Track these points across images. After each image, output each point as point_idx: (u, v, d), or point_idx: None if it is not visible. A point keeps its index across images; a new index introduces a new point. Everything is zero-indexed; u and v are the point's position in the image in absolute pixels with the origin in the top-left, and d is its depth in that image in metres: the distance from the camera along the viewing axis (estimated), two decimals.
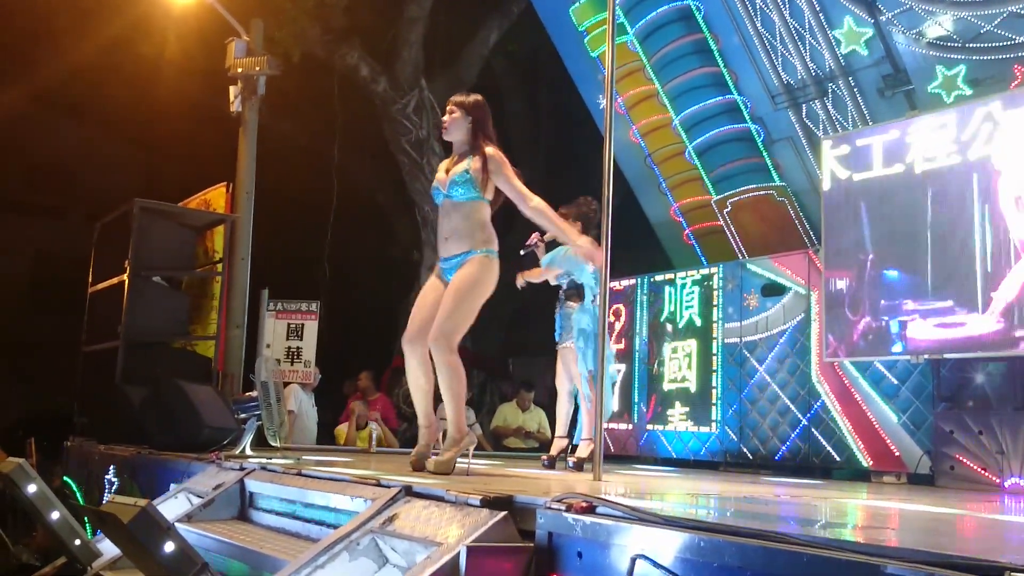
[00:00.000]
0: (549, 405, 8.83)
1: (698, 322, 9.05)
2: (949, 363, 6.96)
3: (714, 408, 8.79)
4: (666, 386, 9.31)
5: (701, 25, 10.59)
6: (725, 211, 10.80)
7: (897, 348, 7.14)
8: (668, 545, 2.43)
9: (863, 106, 9.42)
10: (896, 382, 7.43)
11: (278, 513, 4.45)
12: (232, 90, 10.00)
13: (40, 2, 13.61)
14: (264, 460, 5.32)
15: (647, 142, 11.53)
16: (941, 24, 8.62)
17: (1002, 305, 6.45)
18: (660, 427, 9.30)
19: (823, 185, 7.88)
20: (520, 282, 6.52)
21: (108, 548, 4.82)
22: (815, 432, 7.92)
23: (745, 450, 8.48)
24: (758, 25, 10.07)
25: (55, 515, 5.20)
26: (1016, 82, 8.00)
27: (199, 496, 4.88)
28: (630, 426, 9.56)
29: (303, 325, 9.12)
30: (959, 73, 8.56)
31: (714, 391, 8.80)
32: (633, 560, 2.51)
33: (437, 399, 4.93)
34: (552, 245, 6.60)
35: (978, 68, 8.46)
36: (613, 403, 6.45)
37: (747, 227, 10.71)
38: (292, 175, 13.96)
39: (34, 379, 15.49)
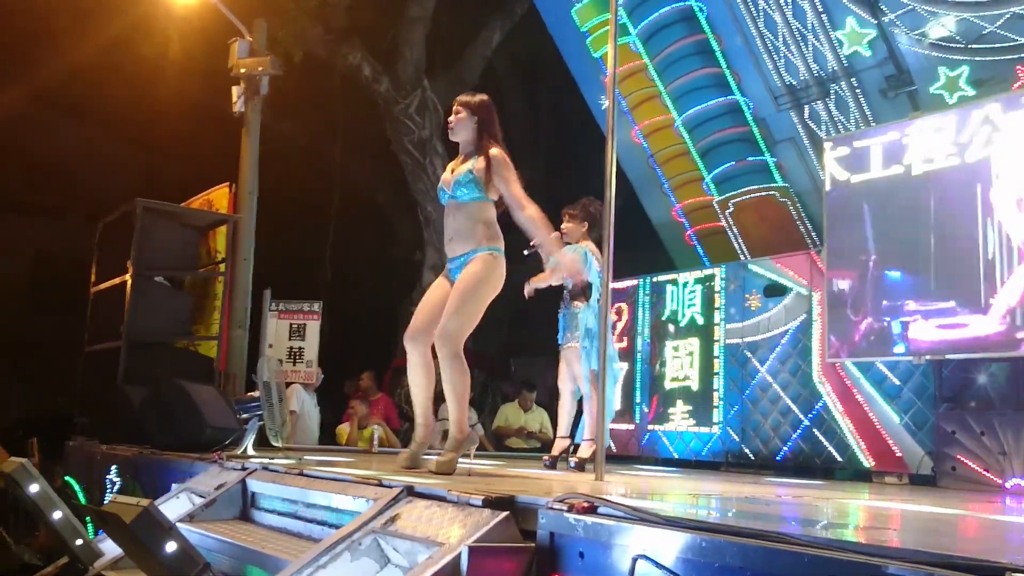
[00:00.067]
0: (551, 405, 8.84)
1: (700, 321, 9.05)
2: (951, 364, 6.96)
3: (716, 409, 8.79)
4: (668, 385, 9.31)
5: (704, 26, 10.59)
6: (727, 212, 10.81)
7: (899, 349, 7.14)
8: (669, 545, 2.43)
9: (865, 107, 9.42)
10: (898, 383, 7.42)
11: (280, 513, 4.45)
12: (235, 90, 10.01)
13: (40, 2, 13.63)
14: (266, 460, 5.32)
15: (649, 143, 11.53)
16: (944, 25, 8.62)
17: (1004, 306, 6.45)
18: (662, 427, 9.31)
19: (825, 186, 7.88)
20: (528, 290, 6.50)
21: (110, 548, 4.83)
22: (817, 433, 7.92)
23: (747, 450, 8.47)
24: (760, 26, 10.07)
25: (57, 515, 5.20)
26: (1019, 83, 8.00)
27: (201, 496, 4.88)
28: (632, 426, 9.56)
29: (305, 325, 9.13)
30: (962, 74, 8.56)
31: (716, 393, 8.80)
32: (634, 560, 2.51)
33: (439, 399, 4.93)
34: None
35: (981, 69, 8.45)
36: (615, 401, 6.44)
37: (749, 228, 10.71)
38: (294, 175, 13.98)
39: (35, 379, 15.50)
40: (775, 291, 8.46)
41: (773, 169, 10.45)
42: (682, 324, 9.25)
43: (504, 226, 4.90)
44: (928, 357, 6.97)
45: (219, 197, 9.89)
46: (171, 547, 3.63)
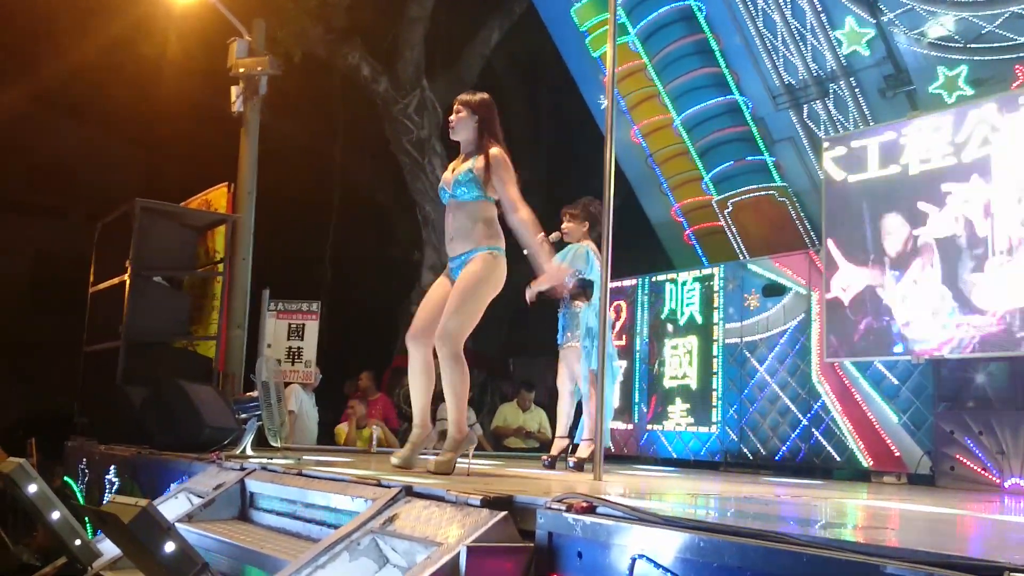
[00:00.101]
0: (550, 405, 8.83)
1: (699, 319, 9.06)
2: (949, 363, 6.97)
3: (715, 409, 8.79)
4: (667, 383, 9.32)
5: (703, 25, 10.59)
6: (726, 211, 10.81)
7: (898, 348, 7.15)
8: (668, 545, 2.43)
9: (864, 106, 9.42)
10: (896, 382, 7.43)
11: (279, 513, 4.45)
12: (234, 90, 10.00)
13: (40, 2, 13.63)
14: (265, 460, 5.32)
15: (648, 142, 11.53)
16: (943, 24, 8.62)
17: (1002, 306, 6.45)
18: (660, 427, 9.31)
19: (823, 185, 7.89)
20: (530, 295, 6.50)
21: (108, 548, 4.82)
22: (815, 432, 7.93)
23: (745, 450, 8.48)
24: (759, 25, 10.07)
25: (55, 515, 5.20)
26: (1017, 82, 8.00)
27: (199, 496, 4.88)
28: (630, 426, 9.57)
29: (304, 325, 9.12)
30: (960, 73, 8.56)
31: (715, 393, 8.81)
32: (633, 560, 2.51)
33: (439, 399, 4.92)
34: (559, 246, 6.60)
35: (979, 68, 8.46)
36: (614, 400, 6.45)
37: (748, 227, 10.71)
38: (293, 175, 13.97)
39: (34, 379, 15.50)
40: (774, 291, 8.47)
41: (772, 169, 10.45)
42: (681, 323, 9.25)
43: (505, 225, 4.89)
44: (926, 357, 6.98)
45: (218, 197, 9.89)
46: (169, 547, 3.62)
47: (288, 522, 4.29)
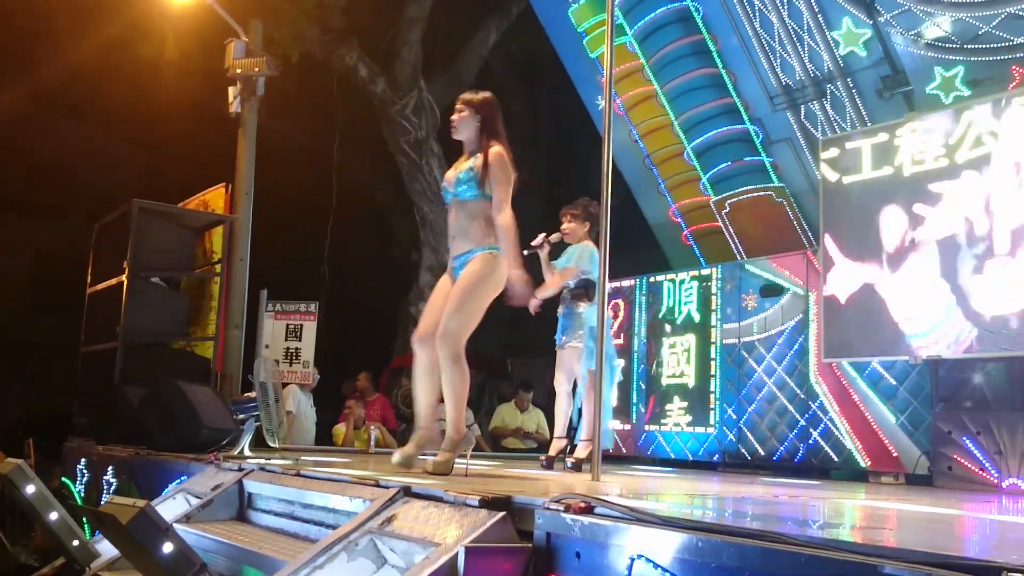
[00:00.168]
0: (548, 406, 8.83)
1: (696, 317, 9.07)
2: (947, 364, 6.97)
3: (712, 411, 8.79)
4: (664, 381, 9.32)
5: (700, 26, 10.59)
6: (724, 212, 10.81)
7: (895, 348, 7.15)
8: (666, 545, 2.44)
9: (861, 107, 9.42)
10: (894, 382, 7.44)
11: (277, 514, 4.45)
12: (231, 91, 10.01)
13: (40, 2, 13.62)
14: (263, 461, 5.32)
15: (646, 143, 11.53)
16: (939, 25, 8.63)
17: (999, 306, 6.46)
18: (658, 427, 9.31)
19: (820, 186, 7.90)
20: (534, 305, 6.50)
21: (106, 549, 4.82)
22: (813, 432, 7.93)
23: (743, 451, 8.48)
24: (757, 26, 10.08)
25: (53, 516, 5.19)
26: (1014, 83, 8.01)
27: (197, 497, 4.88)
28: (628, 426, 9.57)
29: (302, 326, 9.11)
30: (957, 74, 8.57)
31: (712, 394, 8.81)
32: (632, 560, 2.51)
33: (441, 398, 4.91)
34: (559, 246, 6.61)
35: (976, 69, 8.46)
36: (612, 399, 6.45)
37: (746, 228, 10.71)
38: (291, 175, 13.96)
39: (34, 379, 15.50)
40: (771, 291, 8.48)
41: (769, 169, 10.46)
42: (678, 321, 9.26)
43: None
44: (924, 357, 6.98)
45: (215, 198, 9.89)
46: (168, 548, 3.63)
47: (286, 523, 4.30)
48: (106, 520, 3.99)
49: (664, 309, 9.42)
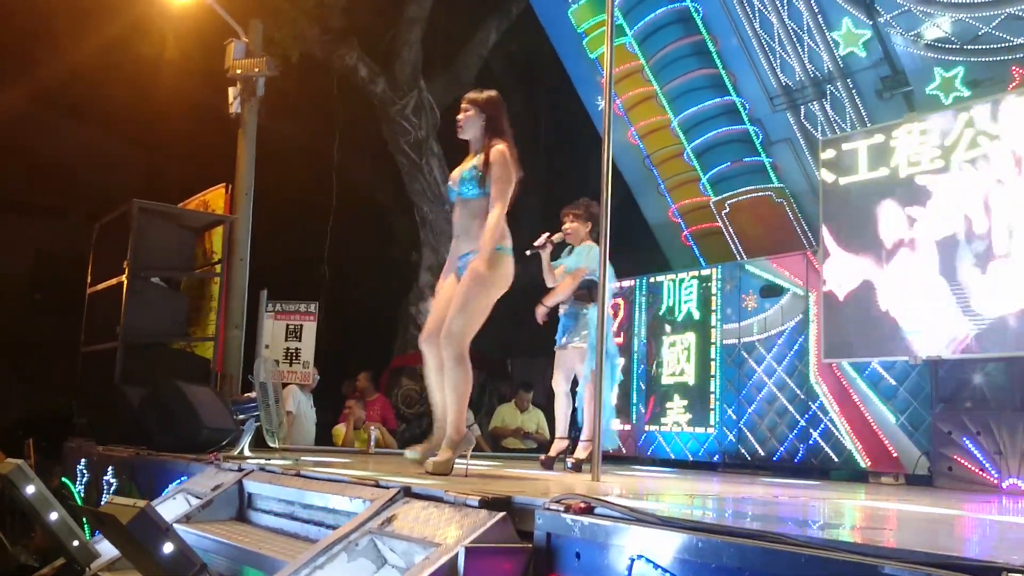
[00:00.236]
0: (548, 406, 8.84)
1: (696, 315, 9.07)
2: (947, 364, 6.97)
3: (712, 412, 8.79)
4: (665, 380, 9.33)
5: (700, 27, 10.60)
6: (723, 212, 10.81)
7: (895, 349, 7.15)
8: (666, 546, 2.44)
9: (861, 108, 9.42)
10: (894, 383, 7.44)
11: (277, 514, 4.46)
12: (231, 91, 10.02)
13: (40, 2, 13.60)
14: (263, 461, 5.32)
15: (646, 143, 11.53)
16: (939, 26, 8.63)
17: (997, 306, 6.46)
18: (658, 428, 9.32)
19: (820, 187, 7.90)
20: (542, 313, 6.49)
21: (107, 549, 4.83)
22: (813, 433, 7.93)
23: (743, 451, 8.48)
24: (756, 27, 10.08)
25: (53, 516, 5.20)
26: (1014, 84, 8.01)
27: (198, 497, 4.89)
28: (628, 427, 9.57)
29: (302, 326, 9.12)
30: (957, 75, 8.57)
31: (712, 395, 8.81)
32: (632, 561, 2.51)
33: None
34: (560, 246, 6.61)
35: (976, 70, 8.46)
36: (612, 398, 6.45)
37: (745, 228, 10.71)
38: (291, 176, 13.96)
39: (34, 379, 15.50)
40: (771, 291, 8.48)
41: (769, 170, 10.46)
42: (679, 319, 9.26)
43: (511, 223, 4.88)
44: (924, 357, 6.98)
45: (215, 198, 9.90)
46: (168, 548, 3.63)
47: (286, 523, 4.30)
48: (106, 520, 4.00)
49: (664, 308, 9.43)
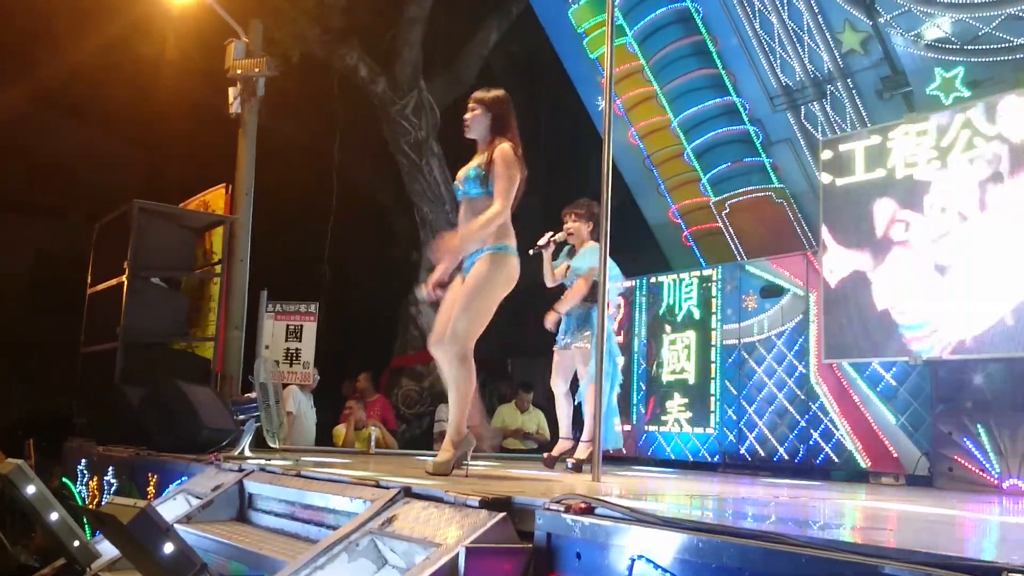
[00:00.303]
0: (548, 406, 8.83)
1: (697, 314, 9.07)
2: (947, 364, 6.97)
3: (712, 412, 8.79)
4: (665, 378, 9.33)
5: (700, 27, 10.60)
6: (724, 213, 10.81)
7: (895, 349, 7.15)
8: (667, 546, 2.44)
9: (861, 108, 9.42)
10: (894, 383, 7.44)
11: (277, 514, 4.46)
12: (231, 91, 10.02)
13: (40, 2, 13.61)
14: (263, 461, 5.32)
15: (646, 144, 11.53)
16: (939, 26, 8.63)
17: (997, 306, 6.46)
18: (658, 428, 9.32)
19: (820, 187, 7.90)
20: (553, 319, 6.48)
21: (107, 549, 4.83)
22: (813, 433, 7.93)
23: (743, 451, 8.48)
24: (757, 27, 10.08)
25: (54, 516, 5.20)
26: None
27: (198, 497, 4.89)
28: (629, 427, 9.57)
29: (302, 326, 9.12)
30: (957, 75, 8.57)
31: (712, 397, 8.81)
32: (632, 561, 2.51)
33: (439, 399, 4.91)
34: (559, 246, 6.60)
35: (976, 70, 8.46)
36: (613, 397, 6.45)
37: (745, 229, 10.71)
38: (291, 176, 13.96)
39: (34, 379, 15.49)
40: (772, 292, 8.47)
41: (769, 170, 10.46)
42: (679, 318, 9.27)
43: (516, 223, 4.88)
44: (924, 358, 6.98)
45: (215, 198, 9.90)
46: (168, 548, 3.63)
47: (286, 523, 4.30)
48: (107, 520, 4.00)
49: (664, 307, 9.43)
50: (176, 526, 4.11)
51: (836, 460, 7.77)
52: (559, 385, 6.53)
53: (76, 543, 5.04)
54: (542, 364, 6.95)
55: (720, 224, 10.91)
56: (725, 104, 10.60)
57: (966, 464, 6.68)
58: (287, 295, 9.26)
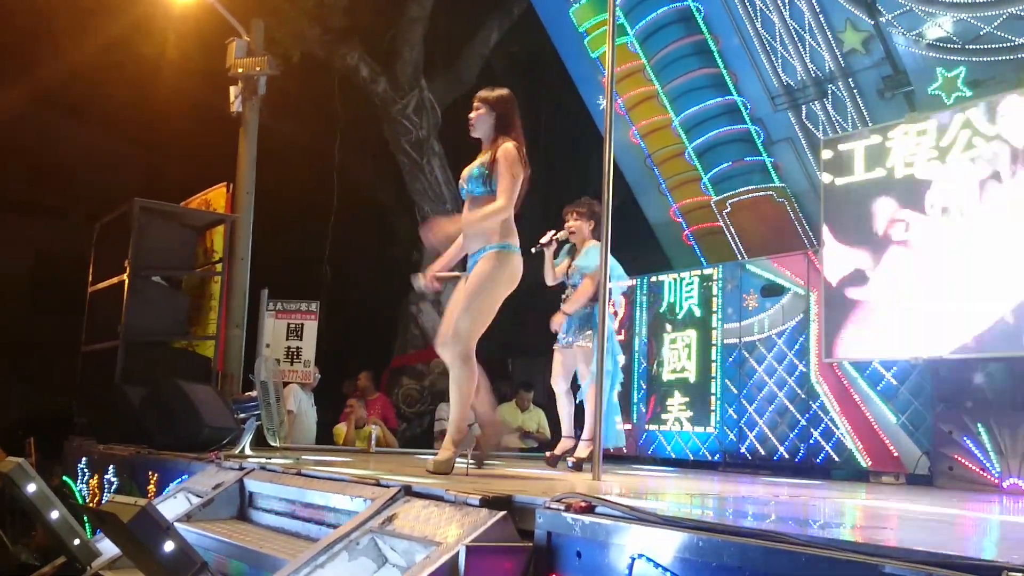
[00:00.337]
0: (548, 406, 8.83)
1: (697, 312, 9.08)
2: (948, 364, 6.97)
3: (713, 411, 8.79)
4: (666, 377, 9.33)
5: (701, 26, 10.59)
6: (725, 212, 10.80)
7: (896, 348, 7.15)
8: (667, 545, 2.44)
9: (863, 107, 9.42)
10: (895, 383, 7.44)
11: (277, 513, 4.46)
12: (232, 90, 10.01)
13: (40, 2, 13.60)
14: (263, 460, 5.32)
15: (647, 143, 11.53)
16: (941, 26, 8.62)
17: (997, 306, 6.46)
18: (659, 427, 9.32)
19: (821, 186, 7.90)
20: (560, 322, 6.47)
21: (107, 547, 4.83)
22: (814, 432, 7.93)
23: (744, 450, 8.48)
24: (758, 26, 10.07)
25: (54, 514, 5.20)
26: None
27: (198, 496, 4.89)
28: (629, 426, 9.57)
29: (303, 325, 9.12)
30: (959, 75, 8.57)
31: (713, 396, 8.81)
32: (632, 560, 2.51)
33: (439, 398, 4.91)
34: (562, 244, 6.60)
35: (978, 69, 8.46)
36: (613, 396, 6.45)
37: (746, 228, 10.71)
38: (292, 175, 13.96)
39: (34, 379, 15.50)
40: (772, 291, 8.48)
41: (770, 169, 10.45)
42: (679, 317, 9.27)
43: (519, 222, 4.87)
44: (925, 357, 6.98)
45: (216, 197, 9.90)
46: (169, 547, 3.63)
47: (287, 522, 4.30)
48: (107, 519, 3.99)
49: (665, 306, 9.43)
50: (176, 524, 4.11)
51: (836, 459, 7.77)
52: (560, 384, 6.53)
53: (77, 541, 5.04)
54: (542, 364, 6.95)
55: (721, 223, 10.91)
56: (726, 103, 10.60)
57: (966, 463, 6.68)
58: (288, 294, 9.26)
